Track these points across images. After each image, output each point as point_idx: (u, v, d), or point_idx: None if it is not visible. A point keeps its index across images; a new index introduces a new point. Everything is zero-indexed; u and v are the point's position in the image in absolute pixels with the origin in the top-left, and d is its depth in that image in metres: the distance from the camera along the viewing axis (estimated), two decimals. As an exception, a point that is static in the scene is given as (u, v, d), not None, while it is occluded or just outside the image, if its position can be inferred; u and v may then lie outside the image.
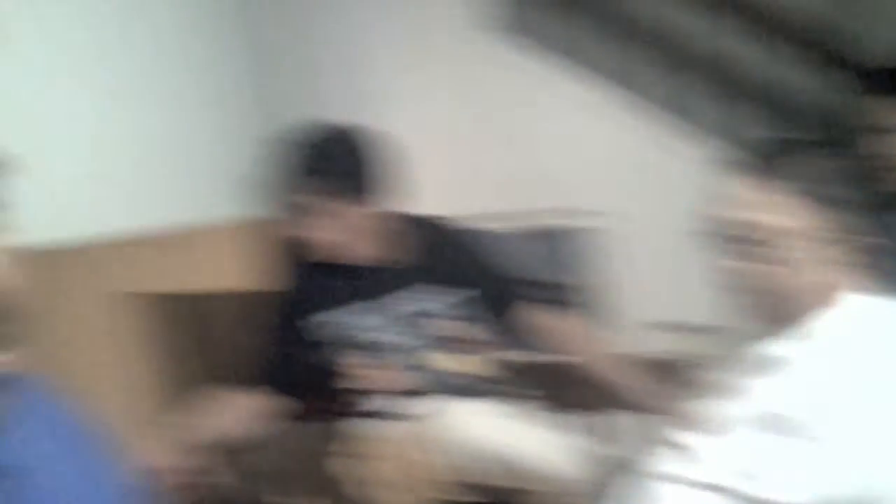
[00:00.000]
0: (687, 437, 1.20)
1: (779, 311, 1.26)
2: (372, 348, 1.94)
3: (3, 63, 1.38)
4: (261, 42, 2.64)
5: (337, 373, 1.94)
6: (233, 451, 1.83)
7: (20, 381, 0.76)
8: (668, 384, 1.92)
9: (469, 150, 2.92)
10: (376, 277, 1.96)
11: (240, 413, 1.87)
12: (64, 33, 1.60)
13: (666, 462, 1.19)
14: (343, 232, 1.90)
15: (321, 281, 1.95)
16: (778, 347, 1.23)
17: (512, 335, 2.09)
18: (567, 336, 2.05)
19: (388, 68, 2.88)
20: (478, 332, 2.01)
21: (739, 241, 1.27)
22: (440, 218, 2.10)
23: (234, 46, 2.41)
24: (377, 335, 1.95)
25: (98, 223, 1.53)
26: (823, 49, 2.85)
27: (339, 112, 2.13)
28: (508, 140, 2.89)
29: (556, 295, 2.54)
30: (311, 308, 1.94)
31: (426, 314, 1.97)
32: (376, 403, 1.95)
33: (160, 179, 1.81)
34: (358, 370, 1.93)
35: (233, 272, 2.44)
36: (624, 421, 2.19)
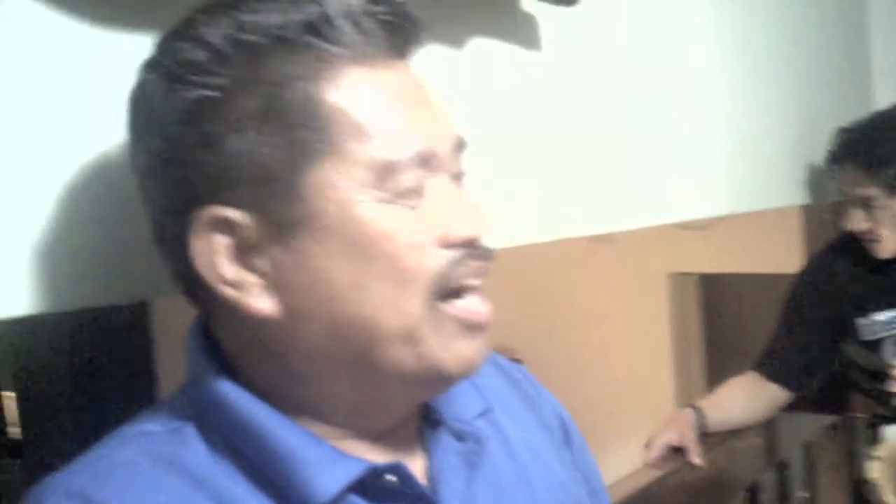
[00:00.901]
0: None
1: None
2: None
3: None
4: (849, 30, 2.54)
5: (887, 374, 1.86)
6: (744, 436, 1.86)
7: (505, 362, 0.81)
8: None
9: None
10: None
11: (745, 398, 1.89)
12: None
13: None
14: None
15: (877, 278, 1.88)
16: None
17: None
18: None
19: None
20: None
21: None
22: None
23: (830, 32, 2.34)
24: None
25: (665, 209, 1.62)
26: None
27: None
28: None
29: None
30: (864, 305, 1.88)
31: None
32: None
33: (731, 165, 1.85)
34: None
35: (781, 256, 2.44)
36: None
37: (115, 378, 0.70)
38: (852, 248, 1.93)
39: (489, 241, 0.61)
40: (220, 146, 0.55)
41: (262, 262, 0.56)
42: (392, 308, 0.56)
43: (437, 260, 0.58)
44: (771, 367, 1.91)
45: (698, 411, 1.78)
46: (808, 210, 2.44)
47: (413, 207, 0.57)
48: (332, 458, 0.58)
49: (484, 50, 1.08)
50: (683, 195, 1.64)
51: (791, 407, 1.94)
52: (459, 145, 0.62)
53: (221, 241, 0.56)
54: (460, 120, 0.83)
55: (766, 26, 1.94)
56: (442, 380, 0.61)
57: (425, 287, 0.57)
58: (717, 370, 3.00)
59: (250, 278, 0.56)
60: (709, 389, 2.04)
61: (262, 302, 0.56)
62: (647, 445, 1.73)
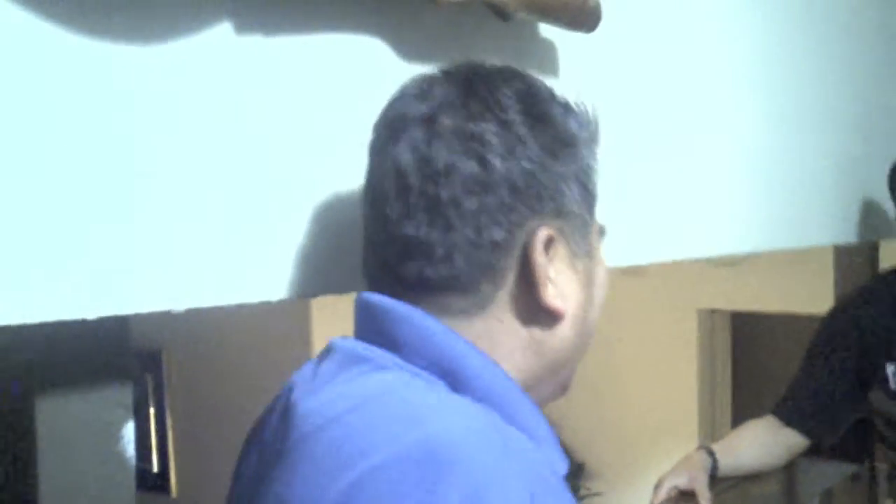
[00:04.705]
0: None
1: None
2: None
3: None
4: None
5: None
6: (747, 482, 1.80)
7: None
8: None
9: None
10: None
11: (760, 442, 1.84)
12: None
13: None
14: None
15: None
16: None
17: None
18: None
19: None
20: None
21: None
22: None
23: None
24: None
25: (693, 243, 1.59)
26: None
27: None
28: None
29: None
30: (893, 352, 1.81)
31: None
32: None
33: (766, 201, 1.82)
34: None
35: (813, 297, 2.40)
36: None
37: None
38: (883, 293, 1.88)
39: None
40: (570, 185, 0.73)
41: (553, 274, 0.72)
42: (595, 324, 0.78)
43: None
44: (788, 412, 1.86)
45: (711, 454, 1.74)
46: (839, 251, 2.40)
47: None
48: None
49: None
50: (716, 230, 1.61)
51: (812, 454, 1.89)
52: None
53: (548, 251, 0.72)
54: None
55: (804, 57, 1.90)
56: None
57: None
58: (745, 410, 2.95)
59: (552, 285, 0.72)
60: (717, 429, 1.99)
61: (559, 301, 0.72)
62: (656, 487, 1.69)
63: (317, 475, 0.60)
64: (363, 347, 0.69)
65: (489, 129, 0.69)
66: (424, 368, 0.67)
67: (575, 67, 1.18)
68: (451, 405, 0.64)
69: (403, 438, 0.58)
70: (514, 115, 0.70)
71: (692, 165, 1.52)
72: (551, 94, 0.75)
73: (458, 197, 0.68)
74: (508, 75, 0.74)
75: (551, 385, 0.77)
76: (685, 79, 1.50)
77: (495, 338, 0.71)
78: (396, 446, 0.58)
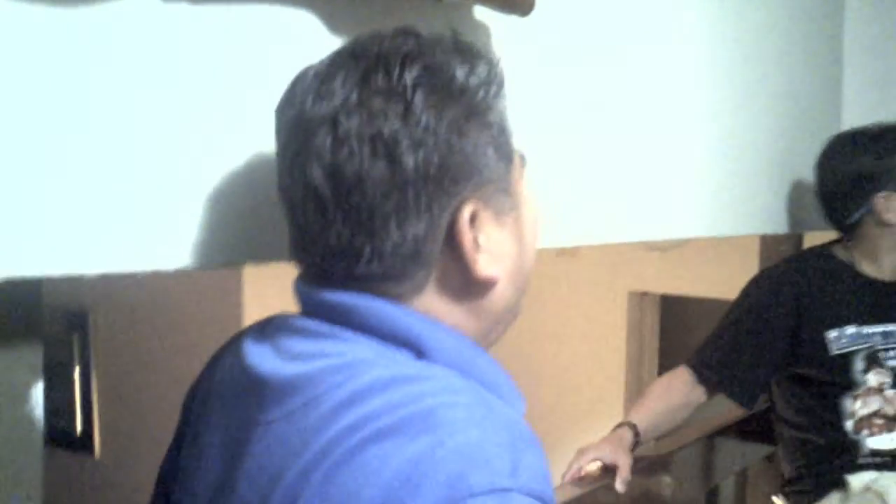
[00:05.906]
0: None
1: None
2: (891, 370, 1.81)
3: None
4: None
5: (840, 397, 1.81)
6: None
7: None
8: None
9: None
10: None
11: (669, 407, 1.85)
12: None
13: None
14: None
15: (846, 292, 1.87)
16: None
17: None
18: None
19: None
20: None
21: None
22: None
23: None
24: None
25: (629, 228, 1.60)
26: None
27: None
28: None
29: None
30: (825, 321, 1.84)
31: None
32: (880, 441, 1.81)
33: (702, 189, 1.84)
34: (864, 395, 1.81)
35: (738, 284, 2.45)
36: None
37: None
38: (815, 264, 1.91)
39: None
40: (485, 153, 0.71)
41: (484, 241, 0.72)
42: (533, 260, 0.79)
43: None
44: (708, 371, 1.88)
45: (633, 428, 1.75)
46: (766, 240, 2.46)
47: None
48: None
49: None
50: (650, 215, 1.63)
51: (728, 434, 1.93)
52: None
53: (473, 224, 0.71)
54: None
55: (742, 55, 1.93)
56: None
57: None
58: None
59: (484, 253, 0.72)
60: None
61: (492, 269, 0.72)
62: (579, 452, 1.69)
63: (316, 446, 0.63)
64: (326, 325, 0.70)
65: (393, 126, 0.66)
66: (388, 344, 0.69)
67: (510, 51, 1.18)
68: (437, 378, 0.68)
69: (402, 411, 0.63)
70: (417, 103, 0.67)
71: (628, 152, 1.54)
72: (451, 57, 0.71)
73: (373, 203, 0.66)
74: (406, 52, 0.69)
75: (502, 325, 0.79)
76: (621, 66, 1.50)
77: (436, 314, 0.72)
78: (397, 417, 0.63)
